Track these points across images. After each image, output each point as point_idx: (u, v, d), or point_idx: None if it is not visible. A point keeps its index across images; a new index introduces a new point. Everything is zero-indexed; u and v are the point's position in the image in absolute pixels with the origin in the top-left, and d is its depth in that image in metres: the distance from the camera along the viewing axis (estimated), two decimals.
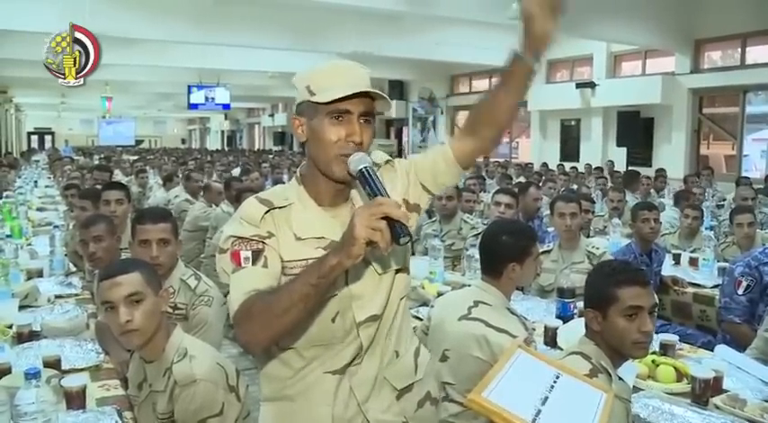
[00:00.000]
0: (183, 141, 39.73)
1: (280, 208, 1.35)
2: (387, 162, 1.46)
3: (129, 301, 1.70)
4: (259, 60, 13.52)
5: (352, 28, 10.72)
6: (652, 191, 7.41)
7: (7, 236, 4.44)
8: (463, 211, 4.59)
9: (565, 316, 2.76)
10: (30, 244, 4.34)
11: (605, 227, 5.13)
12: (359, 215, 1.11)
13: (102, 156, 16.17)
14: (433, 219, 4.53)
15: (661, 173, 8.48)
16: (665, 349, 2.39)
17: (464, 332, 2.06)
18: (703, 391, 2.01)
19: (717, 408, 1.98)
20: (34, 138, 34.00)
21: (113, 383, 2.07)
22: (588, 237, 4.35)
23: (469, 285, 2.46)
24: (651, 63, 11.88)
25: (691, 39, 10.71)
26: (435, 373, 1.74)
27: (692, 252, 4.27)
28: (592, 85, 12.06)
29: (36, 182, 9.63)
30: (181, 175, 7.80)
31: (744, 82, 10.17)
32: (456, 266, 4.17)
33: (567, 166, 11.29)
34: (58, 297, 3.04)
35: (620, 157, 11.65)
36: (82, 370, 2.14)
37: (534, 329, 2.38)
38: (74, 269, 3.58)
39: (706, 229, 4.77)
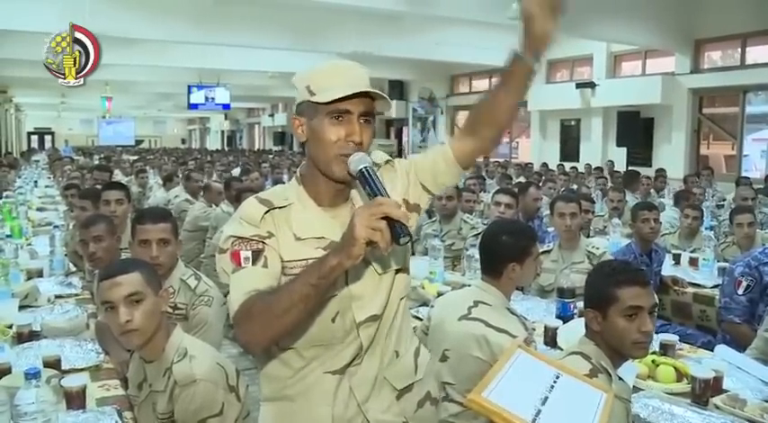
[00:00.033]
0: (183, 141, 39.72)
1: (279, 208, 1.35)
2: (387, 162, 1.46)
3: (129, 301, 1.70)
4: (259, 60, 13.53)
5: (352, 28, 10.73)
6: (652, 191, 7.41)
7: (7, 236, 4.44)
8: (463, 211, 4.59)
9: (565, 316, 2.76)
10: (30, 244, 4.34)
11: (605, 227, 5.13)
12: (359, 215, 1.11)
13: (102, 156, 16.16)
14: (433, 219, 4.53)
15: (661, 173, 8.48)
16: (665, 349, 2.39)
17: (464, 332, 2.06)
18: (703, 391, 2.01)
19: (717, 408, 1.98)
20: (34, 138, 34.00)
21: (113, 383, 2.07)
22: (588, 237, 4.35)
23: (469, 285, 2.46)
24: (651, 63, 11.89)
25: (691, 39, 10.72)
26: (435, 373, 1.74)
27: (692, 252, 4.27)
28: (592, 85, 12.07)
29: (36, 182, 9.64)
30: (181, 175, 7.80)
31: (744, 82, 10.18)
32: (456, 266, 4.17)
33: (567, 166, 11.29)
34: (58, 297, 3.04)
35: (620, 157, 11.65)
36: (82, 370, 2.14)
37: (534, 329, 2.38)
38: (74, 269, 3.58)
39: (706, 229, 4.78)
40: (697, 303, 3.63)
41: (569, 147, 13.41)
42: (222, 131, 36.14)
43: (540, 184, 6.52)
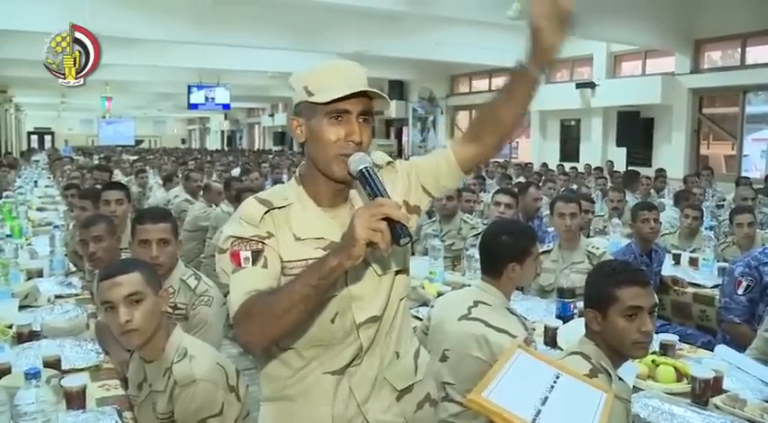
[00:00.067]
0: (183, 141, 39.71)
1: (279, 208, 1.35)
2: (388, 163, 1.46)
3: (129, 301, 1.70)
4: (259, 60, 13.53)
5: (352, 28, 10.73)
6: (652, 191, 7.41)
7: (7, 236, 4.44)
8: (463, 211, 4.59)
9: (565, 316, 2.76)
10: (30, 244, 4.34)
11: (605, 227, 5.13)
12: (359, 216, 1.10)
13: (102, 156, 16.15)
14: (433, 219, 4.53)
15: (661, 173, 8.48)
16: (665, 349, 2.39)
17: (464, 332, 2.06)
18: (703, 391, 2.01)
19: (717, 408, 1.98)
20: (34, 138, 34.02)
21: (113, 383, 2.07)
22: (588, 237, 4.35)
23: (469, 285, 2.46)
24: (651, 63, 11.89)
25: (691, 39, 10.72)
26: (435, 373, 1.74)
27: (692, 252, 4.27)
28: (592, 85, 12.07)
29: (36, 182, 9.63)
30: (180, 175, 7.80)
31: (744, 82, 10.19)
32: (456, 266, 4.17)
33: (567, 166, 11.30)
34: (58, 297, 3.03)
35: (619, 157, 11.65)
36: (82, 370, 2.14)
37: (534, 329, 2.38)
38: (74, 269, 3.58)
39: (706, 229, 4.78)
40: (697, 303, 3.63)
41: (569, 147, 13.42)
42: (222, 131, 36.14)
43: (540, 184, 6.52)
